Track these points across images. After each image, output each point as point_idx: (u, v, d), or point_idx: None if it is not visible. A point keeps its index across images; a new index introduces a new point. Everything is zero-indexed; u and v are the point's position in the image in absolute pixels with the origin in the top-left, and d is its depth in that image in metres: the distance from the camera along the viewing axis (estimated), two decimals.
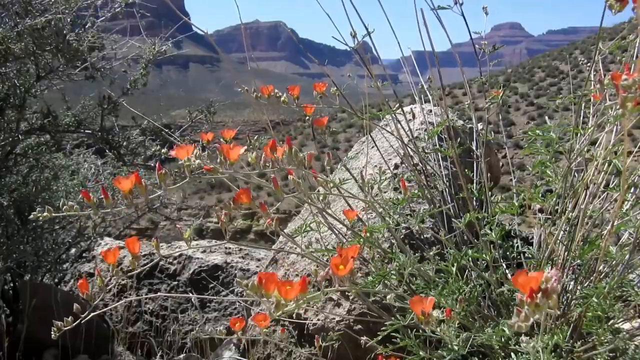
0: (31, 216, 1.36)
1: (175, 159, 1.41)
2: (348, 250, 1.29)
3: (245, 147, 1.41)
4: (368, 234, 2.03)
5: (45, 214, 1.36)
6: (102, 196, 1.39)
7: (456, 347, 1.51)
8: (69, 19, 3.34)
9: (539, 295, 0.89)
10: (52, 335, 1.38)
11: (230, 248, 4.23)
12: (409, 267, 1.79)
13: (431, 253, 1.95)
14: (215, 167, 1.39)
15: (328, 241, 2.59)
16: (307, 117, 1.90)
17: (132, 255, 1.43)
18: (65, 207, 1.38)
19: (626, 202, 2.09)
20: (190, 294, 3.74)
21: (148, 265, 1.77)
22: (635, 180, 2.04)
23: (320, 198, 1.74)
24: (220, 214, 1.46)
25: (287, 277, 2.81)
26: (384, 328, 1.84)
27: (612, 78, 1.03)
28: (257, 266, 3.93)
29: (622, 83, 0.98)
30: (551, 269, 0.93)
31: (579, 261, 2.01)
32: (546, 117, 2.30)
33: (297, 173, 1.48)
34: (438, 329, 1.30)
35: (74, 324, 1.39)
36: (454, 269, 1.87)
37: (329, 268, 1.27)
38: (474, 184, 2.46)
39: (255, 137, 2.00)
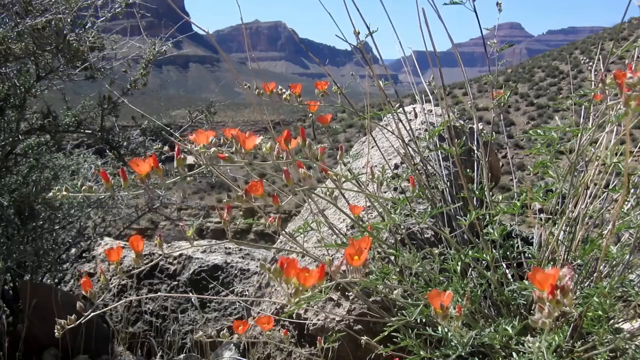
0: (50, 194, 1.35)
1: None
2: (360, 241, 1.26)
3: (261, 137, 1.37)
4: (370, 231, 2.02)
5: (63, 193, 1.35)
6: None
7: (461, 346, 1.50)
8: (69, 19, 3.34)
9: (558, 292, 0.90)
10: (56, 334, 1.37)
11: (230, 248, 4.22)
12: (414, 265, 1.78)
13: (436, 252, 1.95)
14: (230, 155, 1.34)
15: (329, 241, 2.58)
16: (310, 115, 1.90)
17: (136, 253, 1.41)
18: (84, 187, 1.36)
19: (626, 203, 2.09)
20: (190, 294, 3.74)
21: (149, 265, 1.77)
22: (636, 181, 2.04)
23: (328, 193, 1.71)
24: (222, 213, 1.44)
25: None
26: (387, 326, 1.83)
27: (614, 77, 1.02)
28: (257, 266, 3.92)
29: (627, 81, 0.97)
30: (563, 268, 0.93)
31: (579, 261, 2.01)
32: (556, 118, 2.31)
33: (305, 166, 1.44)
34: (446, 327, 1.29)
35: (76, 323, 1.39)
36: (458, 267, 1.87)
37: (342, 258, 1.25)
38: (475, 184, 2.46)
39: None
